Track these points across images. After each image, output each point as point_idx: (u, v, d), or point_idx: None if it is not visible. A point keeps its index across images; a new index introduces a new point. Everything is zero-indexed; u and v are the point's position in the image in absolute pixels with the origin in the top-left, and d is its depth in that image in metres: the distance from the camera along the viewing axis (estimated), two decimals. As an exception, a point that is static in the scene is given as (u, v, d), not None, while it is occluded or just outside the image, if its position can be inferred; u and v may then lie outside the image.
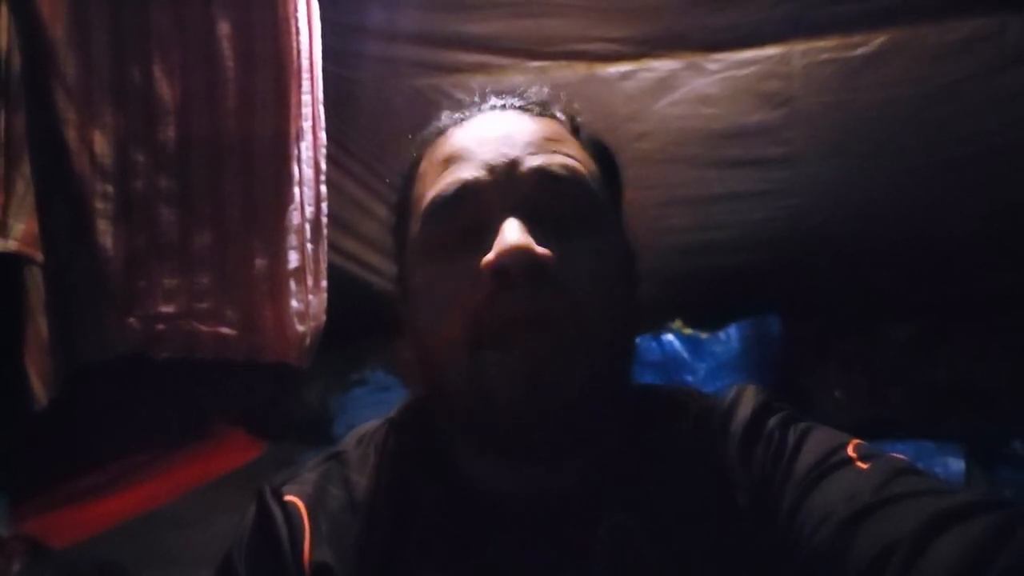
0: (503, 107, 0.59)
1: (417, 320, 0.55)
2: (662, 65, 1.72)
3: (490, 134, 0.56)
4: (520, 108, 0.59)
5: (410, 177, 0.59)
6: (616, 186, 0.60)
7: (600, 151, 0.60)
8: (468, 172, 0.53)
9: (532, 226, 0.51)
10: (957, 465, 1.60)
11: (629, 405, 0.59)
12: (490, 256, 0.49)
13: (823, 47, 1.62)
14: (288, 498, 0.61)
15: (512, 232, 0.50)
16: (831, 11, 1.58)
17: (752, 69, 1.68)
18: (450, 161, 0.55)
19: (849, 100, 1.65)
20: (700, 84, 1.71)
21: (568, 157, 0.55)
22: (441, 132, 0.59)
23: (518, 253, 0.49)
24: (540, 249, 0.50)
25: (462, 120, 0.59)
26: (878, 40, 1.59)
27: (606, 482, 0.55)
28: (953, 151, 1.63)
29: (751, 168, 1.78)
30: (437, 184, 0.54)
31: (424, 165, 0.58)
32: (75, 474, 1.66)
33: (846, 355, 1.96)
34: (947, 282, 1.76)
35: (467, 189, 0.53)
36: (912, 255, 1.74)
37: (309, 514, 0.60)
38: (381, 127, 1.87)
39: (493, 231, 0.51)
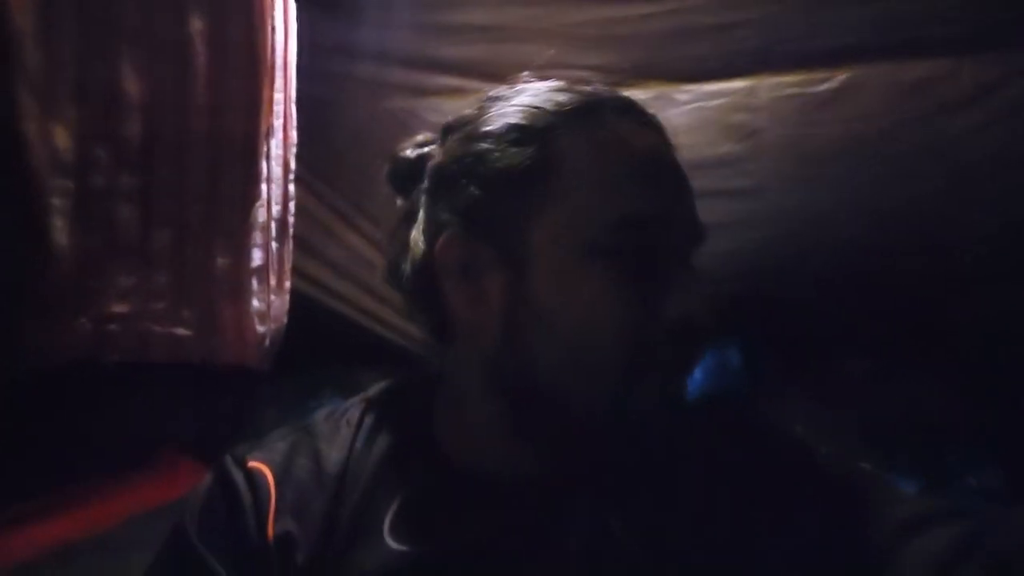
0: (646, 123, 0.62)
1: (548, 308, 0.55)
2: (634, 94, 1.71)
3: (663, 161, 0.59)
4: (659, 124, 0.64)
5: (546, 141, 0.57)
6: None
7: None
8: (654, 203, 0.56)
9: (692, 273, 0.58)
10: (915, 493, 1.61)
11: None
12: (676, 310, 0.54)
13: (788, 82, 1.67)
14: (253, 464, 0.60)
15: (695, 298, 0.55)
16: (797, 47, 1.63)
17: (720, 101, 1.72)
18: (642, 171, 0.56)
19: (812, 134, 1.69)
20: (670, 115, 1.74)
21: None
22: (593, 113, 0.59)
23: (690, 323, 0.54)
24: (699, 313, 0.55)
25: (617, 111, 0.60)
26: (840, 77, 1.64)
27: (589, 466, 0.56)
28: (909, 188, 1.67)
29: (718, 199, 1.80)
30: (625, 199, 0.55)
31: (590, 145, 0.57)
32: (10, 500, 1.56)
33: (806, 389, 1.97)
34: (903, 317, 1.79)
35: (654, 220, 0.55)
36: (869, 289, 1.77)
37: (276, 482, 0.59)
38: (351, 149, 1.85)
39: (664, 269, 0.55)
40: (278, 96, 1.35)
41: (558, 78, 0.64)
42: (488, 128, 0.59)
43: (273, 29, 1.32)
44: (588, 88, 0.61)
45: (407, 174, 0.65)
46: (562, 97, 0.59)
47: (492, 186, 0.57)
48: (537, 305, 0.55)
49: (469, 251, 0.58)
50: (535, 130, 0.58)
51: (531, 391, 0.55)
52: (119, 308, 1.35)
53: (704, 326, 0.53)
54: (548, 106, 0.59)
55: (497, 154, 0.57)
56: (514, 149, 0.57)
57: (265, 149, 1.34)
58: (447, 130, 0.64)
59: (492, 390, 0.58)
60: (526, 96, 0.61)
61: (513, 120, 0.58)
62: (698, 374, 1.92)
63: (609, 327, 0.53)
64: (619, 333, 0.53)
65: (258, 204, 1.33)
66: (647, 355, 0.53)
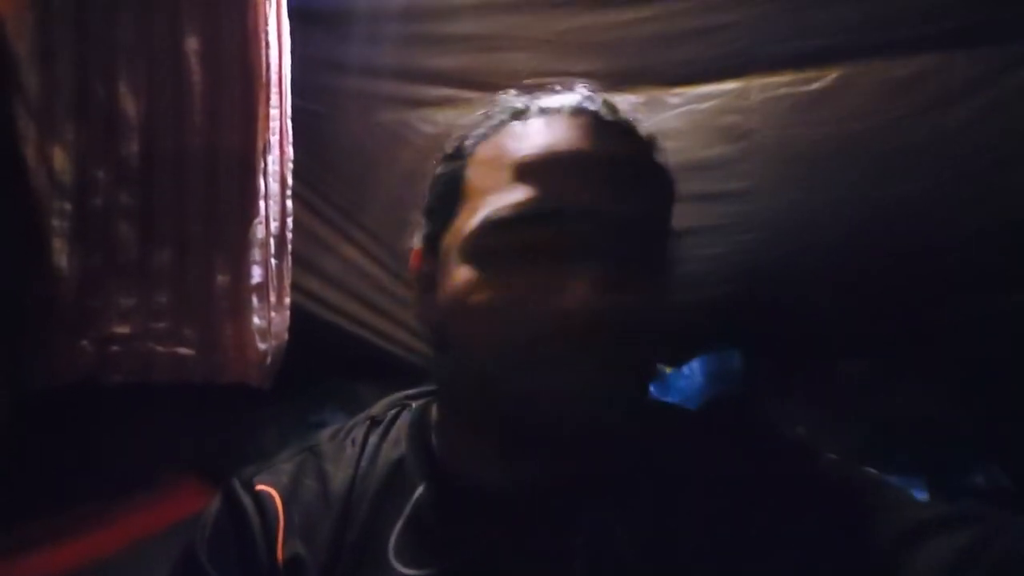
0: (579, 112, 0.60)
1: (457, 310, 0.55)
2: (624, 99, 1.73)
3: (569, 149, 0.56)
4: (597, 118, 0.60)
5: (467, 155, 0.60)
6: (669, 204, 0.61)
7: (662, 168, 0.62)
8: (540, 194, 0.54)
9: (598, 265, 0.52)
10: (921, 498, 1.60)
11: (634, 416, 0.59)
12: (563, 306, 0.51)
13: (779, 82, 1.67)
14: (261, 487, 0.60)
15: (584, 289, 0.51)
16: (787, 46, 1.64)
17: (712, 103, 1.72)
18: (525, 168, 0.55)
19: (804, 134, 1.70)
20: (661, 118, 1.74)
21: (642, 201, 0.56)
22: (517, 116, 0.60)
23: (589, 315, 0.50)
24: (604, 305, 0.51)
25: (537, 112, 0.59)
26: (831, 75, 1.64)
27: (593, 480, 0.56)
28: (903, 186, 1.68)
29: (711, 202, 1.81)
30: (506, 193, 0.55)
31: (490, 150, 0.59)
32: (13, 525, 1.56)
33: (807, 390, 1.97)
34: (901, 316, 1.79)
35: (539, 214, 0.53)
36: (864, 289, 1.77)
37: (284, 504, 0.59)
38: (344, 162, 1.86)
39: (561, 263, 0.52)
40: (274, 112, 1.37)
41: (550, 85, 0.64)
42: (446, 149, 0.63)
43: (267, 45, 1.33)
44: (545, 94, 0.62)
45: None
46: (500, 108, 0.62)
47: (436, 201, 0.61)
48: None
49: (428, 263, 0.61)
50: (467, 145, 0.61)
51: (484, 394, 0.55)
52: (121, 329, 1.36)
53: (609, 320, 0.51)
54: (484, 119, 0.62)
55: (442, 171, 0.61)
56: (447, 166, 0.61)
57: (262, 165, 1.36)
58: None
59: (471, 395, 0.58)
60: (481, 113, 0.64)
61: (462, 139, 0.62)
62: (699, 378, 1.92)
63: (499, 326, 0.53)
64: (513, 332, 0.52)
65: (257, 221, 1.34)
66: (547, 353, 0.51)
